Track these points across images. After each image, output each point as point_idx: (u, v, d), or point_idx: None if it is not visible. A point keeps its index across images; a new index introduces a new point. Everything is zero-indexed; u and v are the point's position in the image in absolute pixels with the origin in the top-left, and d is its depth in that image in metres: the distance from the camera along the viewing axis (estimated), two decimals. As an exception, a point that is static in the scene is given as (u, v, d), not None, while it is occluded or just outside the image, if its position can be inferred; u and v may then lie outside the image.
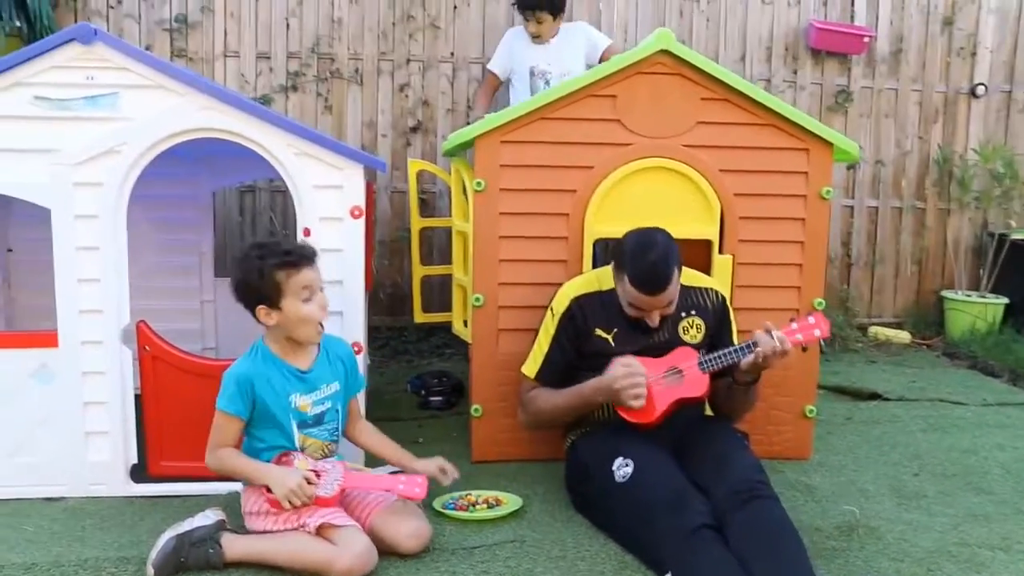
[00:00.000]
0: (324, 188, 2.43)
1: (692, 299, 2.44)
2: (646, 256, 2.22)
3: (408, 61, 4.42)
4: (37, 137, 2.30)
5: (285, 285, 2.06)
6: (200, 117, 2.36)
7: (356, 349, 2.44)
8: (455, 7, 4.43)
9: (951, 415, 3.38)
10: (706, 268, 2.68)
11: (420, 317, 3.45)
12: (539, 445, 2.69)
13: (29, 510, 2.33)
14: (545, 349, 2.44)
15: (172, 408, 2.38)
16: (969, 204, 4.88)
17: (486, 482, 2.54)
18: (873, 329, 4.80)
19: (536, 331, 2.49)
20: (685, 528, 1.93)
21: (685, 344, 2.38)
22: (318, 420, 2.17)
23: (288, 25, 4.33)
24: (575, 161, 2.67)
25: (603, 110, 2.66)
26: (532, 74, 3.83)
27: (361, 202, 2.47)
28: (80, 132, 2.31)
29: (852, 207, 4.87)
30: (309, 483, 2.00)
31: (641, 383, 2.19)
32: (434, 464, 2.28)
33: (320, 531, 1.98)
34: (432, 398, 3.41)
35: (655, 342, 2.36)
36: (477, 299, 2.70)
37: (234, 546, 2.00)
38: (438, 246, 4.34)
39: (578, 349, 2.41)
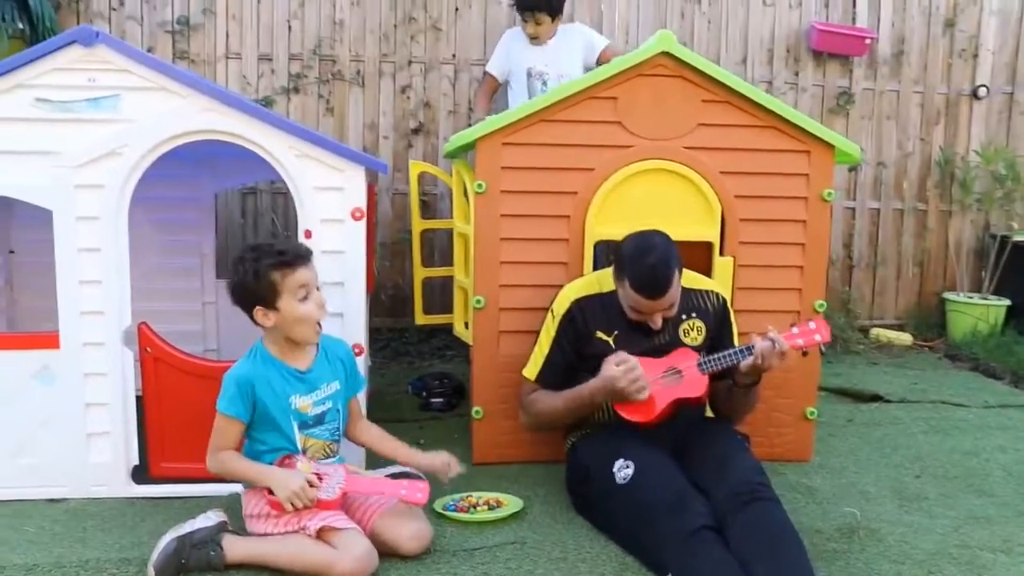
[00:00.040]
0: (325, 190, 2.43)
1: (693, 301, 2.44)
2: (645, 260, 2.22)
3: (410, 63, 4.43)
4: (39, 139, 2.30)
5: (281, 285, 2.07)
6: (201, 119, 2.36)
7: (357, 351, 2.44)
8: (456, 9, 4.44)
9: (953, 417, 3.38)
10: (707, 270, 2.68)
11: (421, 319, 3.45)
12: (540, 447, 2.70)
13: (31, 511, 2.33)
14: (545, 351, 2.44)
15: (173, 409, 2.38)
16: (971, 206, 4.87)
17: (487, 484, 2.54)
18: (875, 331, 4.80)
19: (537, 333, 2.49)
20: (686, 529, 1.93)
21: (686, 346, 2.38)
22: (319, 420, 2.17)
23: (290, 27, 4.34)
24: (576, 163, 2.67)
25: (604, 112, 2.67)
26: (529, 75, 3.83)
27: (362, 204, 2.47)
28: (82, 134, 2.31)
29: (854, 209, 4.87)
30: (311, 486, 2.01)
31: (640, 375, 2.19)
32: (439, 458, 2.26)
33: (321, 534, 1.99)
34: (433, 400, 3.41)
35: (656, 344, 2.36)
36: (478, 301, 2.70)
37: (235, 548, 2.00)
38: (439, 248, 4.35)
39: (578, 351, 2.41)
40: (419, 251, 3.46)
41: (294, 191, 2.43)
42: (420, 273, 3.45)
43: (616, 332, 2.37)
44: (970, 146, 4.89)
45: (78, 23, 4.11)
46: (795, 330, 2.29)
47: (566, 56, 3.81)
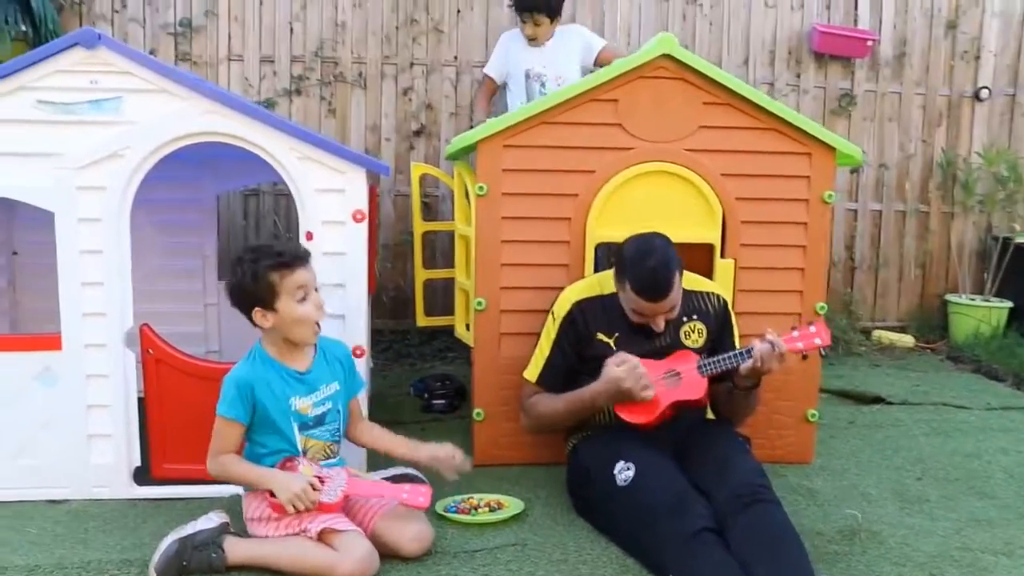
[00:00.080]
0: (327, 192, 2.43)
1: (694, 303, 2.44)
2: (645, 262, 2.22)
3: (411, 65, 4.43)
4: (41, 141, 2.30)
5: (279, 286, 2.07)
6: (203, 121, 2.36)
7: (359, 352, 2.44)
8: (458, 11, 4.45)
9: (954, 419, 3.38)
10: (708, 272, 2.67)
11: (423, 321, 3.45)
12: (541, 449, 2.70)
13: (32, 512, 2.33)
14: (546, 353, 2.44)
15: (175, 411, 2.38)
16: (973, 208, 4.87)
17: (488, 486, 2.54)
18: (876, 333, 4.79)
19: (538, 335, 2.49)
20: (686, 532, 1.93)
21: (687, 348, 2.37)
22: (319, 421, 2.17)
23: (292, 29, 4.35)
24: (577, 165, 2.67)
25: (605, 114, 2.67)
26: (527, 77, 3.83)
27: (364, 206, 2.47)
28: (84, 136, 2.31)
29: (856, 211, 4.87)
30: (313, 488, 2.01)
31: (644, 374, 2.19)
32: (443, 449, 2.22)
33: (322, 536, 1.99)
34: (435, 401, 3.41)
35: (657, 346, 2.36)
36: (479, 303, 2.70)
37: (236, 550, 2.00)
38: (441, 250, 4.36)
39: (579, 353, 2.41)
40: (420, 253, 3.47)
41: (295, 193, 2.44)
42: (421, 275, 3.46)
43: (617, 334, 2.37)
44: (972, 148, 4.89)
45: (80, 25, 4.12)
46: (795, 333, 2.29)
47: (564, 57, 3.81)
